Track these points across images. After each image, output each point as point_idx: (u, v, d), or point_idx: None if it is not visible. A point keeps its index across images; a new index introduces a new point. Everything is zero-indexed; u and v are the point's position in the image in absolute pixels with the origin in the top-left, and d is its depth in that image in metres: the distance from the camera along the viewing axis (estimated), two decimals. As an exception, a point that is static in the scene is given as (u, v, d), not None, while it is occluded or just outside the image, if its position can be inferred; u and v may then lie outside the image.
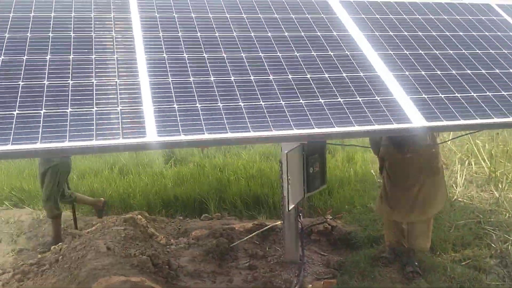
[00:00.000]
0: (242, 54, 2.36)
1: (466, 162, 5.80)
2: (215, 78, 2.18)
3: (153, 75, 2.12)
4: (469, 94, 2.34)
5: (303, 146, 3.12)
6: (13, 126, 1.76)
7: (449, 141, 5.82)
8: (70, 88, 1.98)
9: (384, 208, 3.46)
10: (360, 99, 2.21)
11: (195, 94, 2.06)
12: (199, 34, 2.44)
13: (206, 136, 1.88)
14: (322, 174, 3.27)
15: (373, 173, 5.64)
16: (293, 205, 3.03)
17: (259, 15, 2.66)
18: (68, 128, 1.79)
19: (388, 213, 3.46)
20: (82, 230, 4.73)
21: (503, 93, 2.39)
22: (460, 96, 2.32)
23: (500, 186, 5.02)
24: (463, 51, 2.65)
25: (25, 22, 2.31)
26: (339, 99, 2.19)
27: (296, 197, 3.05)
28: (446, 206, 4.30)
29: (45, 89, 1.96)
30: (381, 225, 4.09)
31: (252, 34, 2.52)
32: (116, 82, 2.05)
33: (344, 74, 2.34)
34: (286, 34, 2.56)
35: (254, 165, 6.07)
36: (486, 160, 5.71)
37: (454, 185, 5.24)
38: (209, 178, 5.75)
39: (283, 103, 2.12)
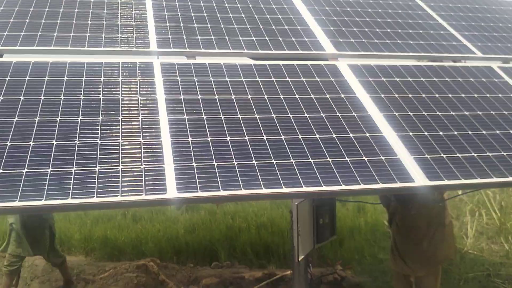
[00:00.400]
0: (256, 116, 2.55)
1: (477, 213, 5.83)
2: (230, 138, 2.35)
3: (174, 135, 2.31)
4: (470, 154, 2.47)
5: (313, 198, 3.24)
6: (47, 182, 1.94)
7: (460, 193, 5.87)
8: (98, 148, 2.17)
9: (397, 261, 3.52)
10: (366, 159, 2.36)
11: (212, 153, 2.23)
12: (216, 96, 2.65)
13: (221, 192, 2.04)
14: (331, 226, 3.37)
15: (385, 223, 5.69)
16: (302, 256, 3.13)
17: (272, 79, 2.87)
18: (96, 185, 1.97)
19: (400, 266, 3.51)
20: (95, 276, 4.83)
21: (502, 153, 2.52)
22: (461, 156, 2.45)
23: (510, 238, 5.02)
24: (465, 112, 2.81)
25: (59, 85, 2.55)
26: (346, 158, 2.34)
27: (305, 247, 3.15)
28: (456, 258, 4.32)
29: (76, 148, 2.15)
30: (390, 277, 4.12)
31: (266, 96, 2.71)
32: (140, 142, 2.24)
33: (351, 135, 2.50)
34: (297, 96, 2.75)
35: (264, 213, 6.18)
36: (497, 212, 5.73)
37: (464, 236, 5.26)
38: (220, 225, 5.87)
39: (293, 161, 2.27)
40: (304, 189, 2.14)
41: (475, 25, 3.89)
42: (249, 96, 2.69)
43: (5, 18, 3.05)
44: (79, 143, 2.19)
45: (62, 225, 6.16)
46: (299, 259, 3.14)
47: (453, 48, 3.51)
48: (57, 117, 2.32)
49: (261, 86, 2.79)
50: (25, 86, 2.50)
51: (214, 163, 2.18)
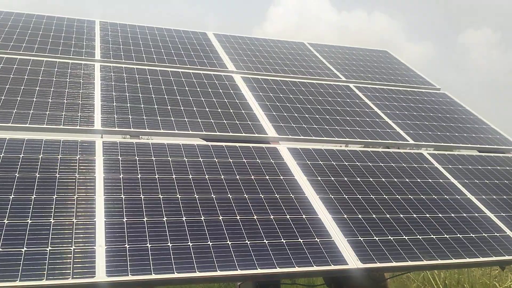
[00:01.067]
0: (195, 195, 2.57)
1: (422, 291, 5.88)
2: (167, 219, 2.35)
3: (109, 215, 2.28)
4: (401, 237, 2.57)
5: (258, 283, 3.20)
6: (-34, 265, 1.85)
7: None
8: (28, 228, 2.10)
9: None
10: (301, 241, 2.40)
11: (147, 234, 2.21)
12: (157, 176, 2.67)
13: (153, 276, 1.99)
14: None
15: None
16: None
17: (215, 159, 2.94)
18: (20, 268, 1.88)
19: None
20: None
21: (432, 236, 2.63)
22: (393, 238, 2.54)
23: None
24: (397, 196, 2.95)
25: (-6, 162, 2.50)
26: (282, 240, 2.37)
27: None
28: None
29: (4, 228, 2.07)
30: None
31: (207, 176, 2.76)
32: (73, 221, 2.20)
33: (287, 216, 2.56)
34: (237, 177, 2.81)
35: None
36: (441, 289, 5.81)
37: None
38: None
39: (229, 243, 2.28)
40: (239, 272, 2.13)
41: (408, 114, 4.20)
42: (190, 176, 2.73)
43: None
44: (8, 222, 2.11)
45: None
46: None
47: (387, 135, 3.74)
48: (-13, 195, 2.25)
49: (203, 166, 2.84)
50: (-43, 162, 2.44)
51: (148, 244, 2.15)
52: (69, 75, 3.61)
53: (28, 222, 2.14)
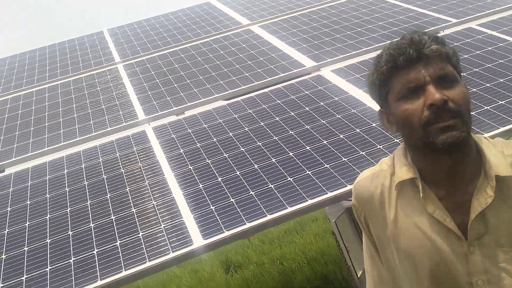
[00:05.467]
0: (258, 143, 2.50)
1: None
2: (240, 172, 2.29)
3: (184, 187, 2.25)
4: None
5: (349, 210, 3.10)
6: (72, 270, 1.87)
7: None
8: (114, 224, 2.11)
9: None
10: (381, 147, 2.27)
11: (227, 191, 2.16)
12: (215, 139, 2.61)
13: (248, 225, 1.95)
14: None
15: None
16: (361, 271, 2.95)
17: (263, 106, 2.84)
18: (122, 259, 1.89)
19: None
20: None
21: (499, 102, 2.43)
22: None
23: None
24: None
25: (61, 179, 2.53)
26: (362, 153, 2.26)
27: (361, 261, 2.98)
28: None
29: (93, 231, 2.09)
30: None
31: (262, 123, 2.68)
32: (154, 204, 2.18)
33: (357, 130, 2.43)
34: (292, 113, 2.71)
35: (311, 247, 5.97)
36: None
37: None
38: (272, 274, 5.65)
39: (309, 172, 2.19)
40: (329, 194, 2.05)
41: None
42: (246, 129, 2.65)
43: (-5, 138, 3.10)
44: (94, 225, 2.13)
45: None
46: (359, 275, 2.96)
47: (431, 20, 3.50)
48: (67, 209, 2.28)
49: (255, 116, 2.76)
50: (29, 190, 2.48)
51: (231, 200, 2.11)
52: (98, 83, 3.61)
53: (112, 218, 2.15)
